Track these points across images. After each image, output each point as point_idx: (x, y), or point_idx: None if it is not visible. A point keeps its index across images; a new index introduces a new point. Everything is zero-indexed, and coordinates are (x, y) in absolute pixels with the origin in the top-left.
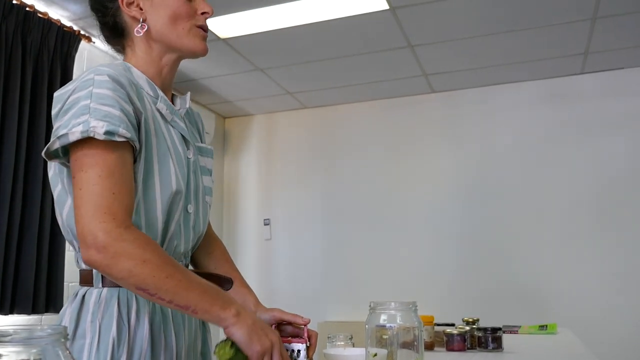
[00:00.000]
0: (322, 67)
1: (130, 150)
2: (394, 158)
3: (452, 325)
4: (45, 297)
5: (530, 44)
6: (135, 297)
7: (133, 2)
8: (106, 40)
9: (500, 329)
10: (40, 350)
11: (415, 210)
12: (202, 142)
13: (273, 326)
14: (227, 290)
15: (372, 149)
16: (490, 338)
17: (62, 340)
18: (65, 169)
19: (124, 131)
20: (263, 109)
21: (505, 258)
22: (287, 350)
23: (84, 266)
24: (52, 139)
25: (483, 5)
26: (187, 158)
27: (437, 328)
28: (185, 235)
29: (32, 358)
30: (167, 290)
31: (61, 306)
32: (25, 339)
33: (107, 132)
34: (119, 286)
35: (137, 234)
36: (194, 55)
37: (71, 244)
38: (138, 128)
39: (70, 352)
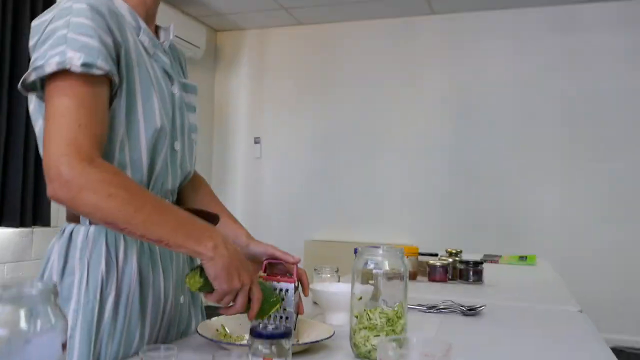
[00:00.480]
0: None
1: (108, 84)
2: (390, 81)
3: (436, 255)
4: (32, 212)
5: None
6: (123, 236)
7: None
8: None
9: (481, 262)
10: (29, 308)
11: (407, 136)
12: (185, 79)
13: (264, 262)
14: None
15: (368, 71)
16: (472, 271)
17: (52, 297)
18: (44, 104)
19: (102, 63)
20: (256, 24)
21: (492, 187)
22: (275, 289)
23: None
24: (28, 70)
25: None
26: (172, 94)
27: (420, 258)
28: (173, 173)
29: (22, 314)
30: (136, 224)
31: (48, 221)
32: (14, 298)
33: (84, 64)
34: None
35: (104, 166)
36: None
37: None
38: (118, 61)
39: (60, 308)
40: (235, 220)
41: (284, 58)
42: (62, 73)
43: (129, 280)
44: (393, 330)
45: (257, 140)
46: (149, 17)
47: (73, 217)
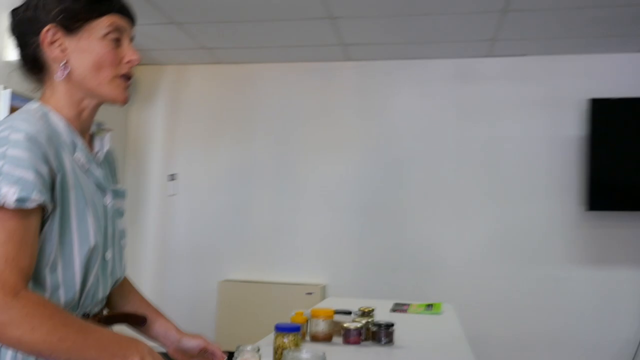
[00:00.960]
0: (241, 26)
1: (40, 212)
2: (306, 121)
3: (349, 313)
4: None
5: (445, 27)
6: None
7: (55, 41)
8: (23, 74)
9: (392, 324)
10: None
11: (322, 176)
12: (116, 182)
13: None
14: (143, 326)
15: (285, 110)
16: (383, 333)
17: None
18: None
19: (37, 195)
20: (175, 60)
21: (402, 230)
22: None
23: None
24: None
25: None
26: (104, 206)
27: (336, 317)
28: (104, 283)
29: None
30: (61, 352)
31: None
32: None
33: (18, 200)
34: None
35: (28, 299)
36: (113, 103)
37: None
38: (53, 187)
39: None
40: (164, 317)
41: (202, 95)
42: None
43: None
44: None
45: (171, 177)
46: (84, 129)
47: None
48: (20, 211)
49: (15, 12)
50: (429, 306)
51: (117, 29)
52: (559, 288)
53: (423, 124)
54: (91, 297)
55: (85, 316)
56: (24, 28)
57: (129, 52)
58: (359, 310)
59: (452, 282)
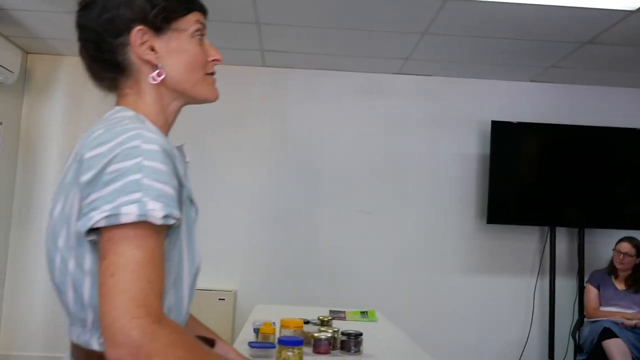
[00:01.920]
0: None
1: (165, 229)
2: (218, 126)
3: (307, 323)
4: None
5: (364, 42)
6: None
7: (145, 42)
8: (92, 74)
9: (361, 334)
10: None
11: (233, 181)
12: None
13: None
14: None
15: (197, 113)
16: (352, 343)
17: None
18: (87, 245)
19: (177, 212)
20: (75, 51)
21: (312, 238)
22: None
23: (98, 348)
24: (90, 213)
25: (331, 2)
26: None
27: (305, 328)
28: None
29: None
30: None
31: None
32: None
33: (164, 217)
34: None
35: (170, 328)
36: (204, 102)
37: (83, 321)
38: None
39: None
40: (222, 340)
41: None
42: (137, 224)
43: None
44: None
45: None
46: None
47: None
48: (158, 228)
49: (87, 11)
50: (364, 313)
51: (203, 27)
52: (457, 294)
53: (335, 134)
54: (186, 319)
55: None
56: (101, 28)
57: (212, 51)
58: (318, 319)
59: (359, 289)
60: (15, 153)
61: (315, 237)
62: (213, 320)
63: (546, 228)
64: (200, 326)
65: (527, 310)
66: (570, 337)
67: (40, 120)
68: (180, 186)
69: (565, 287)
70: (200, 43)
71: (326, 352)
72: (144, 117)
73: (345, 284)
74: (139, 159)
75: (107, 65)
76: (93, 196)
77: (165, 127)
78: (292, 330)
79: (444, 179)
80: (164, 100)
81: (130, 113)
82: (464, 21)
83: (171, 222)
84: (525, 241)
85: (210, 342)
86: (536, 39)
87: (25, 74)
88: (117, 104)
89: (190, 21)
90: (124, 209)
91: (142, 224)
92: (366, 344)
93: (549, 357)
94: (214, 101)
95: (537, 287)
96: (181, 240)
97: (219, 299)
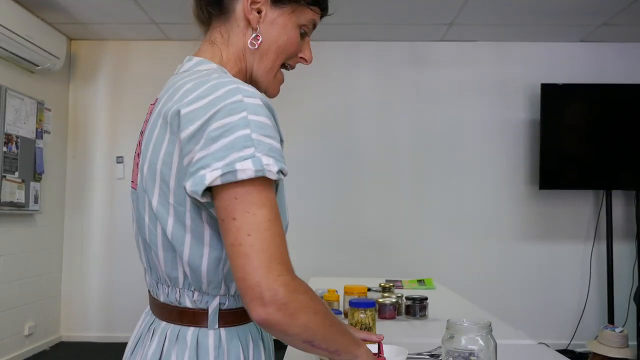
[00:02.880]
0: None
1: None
2: None
3: (369, 290)
4: None
5: (405, 9)
6: (251, 334)
7: (258, 3)
8: (198, 17)
9: (426, 298)
10: None
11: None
12: None
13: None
14: None
15: None
16: (418, 307)
17: None
18: (188, 202)
19: (286, 167)
20: (118, 35)
21: (358, 209)
22: None
23: (192, 305)
24: (201, 172)
25: None
26: None
27: (368, 295)
28: None
29: None
30: (331, 339)
31: None
32: None
33: (279, 171)
34: (236, 324)
35: (303, 281)
36: (263, 92)
37: (174, 279)
38: None
39: None
40: None
41: (147, 73)
42: (253, 180)
43: None
44: None
45: (119, 160)
46: None
47: (196, 320)
48: (272, 184)
49: None
50: (421, 281)
51: (314, 26)
52: (512, 261)
53: (378, 106)
54: None
55: None
56: None
57: (307, 50)
58: (380, 286)
59: (413, 260)
60: (64, 138)
61: (364, 209)
62: None
63: (601, 192)
64: None
65: (584, 276)
66: (632, 301)
67: (87, 105)
68: (281, 141)
69: (624, 251)
70: (302, 37)
71: (392, 317)
72: (227, 70)
73: (398, 255)
74: (244, 114)
75: (214, 3)
76: (200, 154)
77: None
78: (357, 296)
79: (494, 146)
80: (244, 64)
81: (214, 65)
82: None
83: (282, 177)
84: (580, 206)
85: None
86: None
87: (70, 60)
88: (197, 54)
89: (307, 13)
90: (239, 165)
91: (259, 180)
92: (430, 309)
93: (609, 322)
94: (272, 97)
95: (593, 252)
96: (278, 198)
97: None
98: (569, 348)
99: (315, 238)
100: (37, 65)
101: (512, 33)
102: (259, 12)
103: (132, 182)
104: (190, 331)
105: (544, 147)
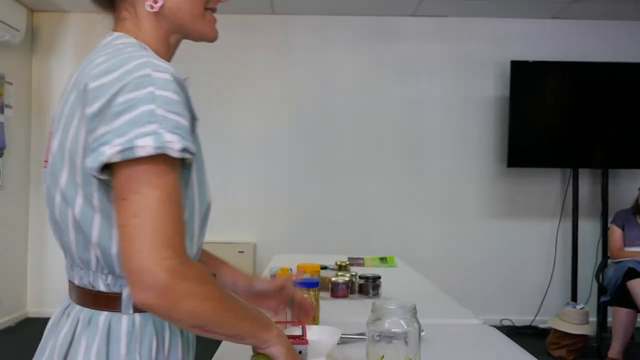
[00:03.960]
0: None
1: (180, 164)
2: (227, 76)
3: (325, 268)
4: None
5: None
6: (167, 323)
7: None
8: (99, 3)
9: (379, 277)
10: None
11: (249, 134)
12: None
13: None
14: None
15: (207, 64)
16: (371, 286)
17: None
18: (94, 182)
19: (192, 147)
20: (81, 7)
21: (329, 187)
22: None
23: (105, 289)
24: (101, 148)
25: None
26: None
27: (322, 273)
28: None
29: None
30: (226, 324)
31: None
32: None
33: (182, 150)
34: None
35: (196, 266)
36: (202, 40)
37: (87, 262)
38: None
39: None
40: (228, 265)
41: None
42: (151, 158)
43: None
44: None
45: None
46: None
47: (110, 305)
48: (175, 163)
49: None
50: (383, 259)
51: None
52: (479, 239)
53: (348, 80)
54: (197, 259)
55: None
56: None
57: None
58: (336, 264)
59: (380, 237)
60: (28, 113)
61: (333, 186)
62: None
63: (568, 170)
64: (207, 255)
65: (550, 253)
66: (594, 278)
67: (50, 79)
68: (194, 119)
69: (588, 229)
70: None
71: (344, 296)
72: (146, 45)
73: (366, 232)
74: (150, 88)
75: None
76: (102, 129)
77: (166, 60)
78: (309, 275)
79: (462, 123)
80: (162, 30)
81: (132, 40)
82: None
83: (187, 156)
84: (547, 184)
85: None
86: None
87: (32, 33)
88: (114, 29)
89: None
90: (139, 142)
91: (159, 158)
92: (385, 288)
93: (572, 299)
94: (213, 41)
95: (559, 230)
96: (192, 178)
97: (239, 252)
98: (532, 324)
99: (282, 216)
100: None
101: (484, 9)
102: None
103: (45, 161)
104: (103, 315)
105: (512, 124)
